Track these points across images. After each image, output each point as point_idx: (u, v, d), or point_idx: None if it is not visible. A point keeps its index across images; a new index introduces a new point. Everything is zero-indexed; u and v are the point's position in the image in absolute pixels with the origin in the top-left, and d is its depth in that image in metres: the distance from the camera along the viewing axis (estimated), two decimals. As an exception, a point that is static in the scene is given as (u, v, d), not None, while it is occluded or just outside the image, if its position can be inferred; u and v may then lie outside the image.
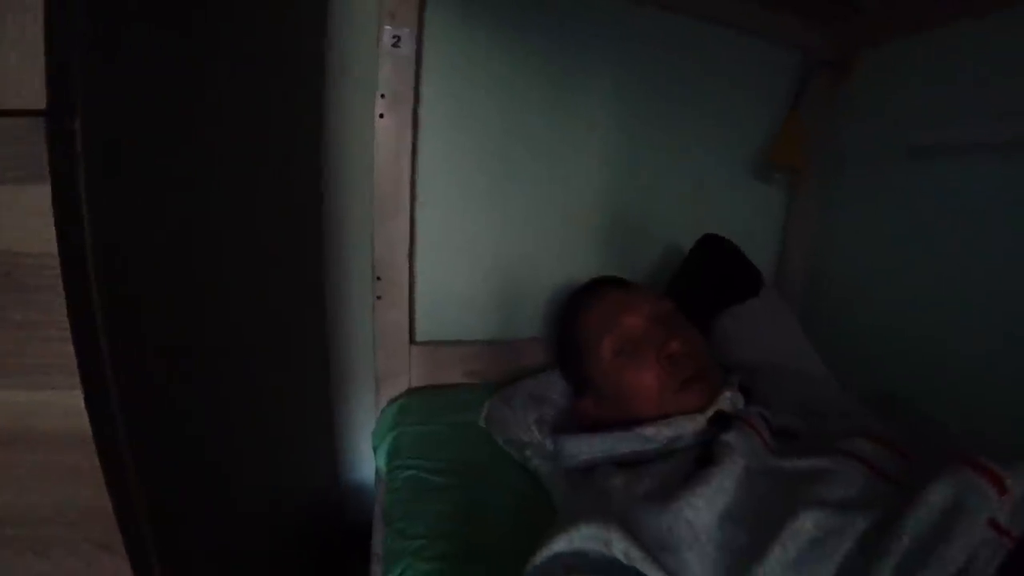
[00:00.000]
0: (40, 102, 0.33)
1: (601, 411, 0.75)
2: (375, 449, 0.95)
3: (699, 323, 0.81)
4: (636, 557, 0.48)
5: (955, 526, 0.42)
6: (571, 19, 1.00)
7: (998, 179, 0.92)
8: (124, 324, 0.40)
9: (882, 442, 0.56)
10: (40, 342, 0.36)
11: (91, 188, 0.36)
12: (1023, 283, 0.89)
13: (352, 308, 1.02)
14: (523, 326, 1.10)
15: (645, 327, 0.72)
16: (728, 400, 0.65)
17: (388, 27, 0.87)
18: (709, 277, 0.99)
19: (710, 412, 0.64)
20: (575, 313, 0.81)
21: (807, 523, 0.46)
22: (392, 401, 0.99)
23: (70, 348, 0.36)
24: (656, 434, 0.64)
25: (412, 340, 1.02)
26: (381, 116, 0.90)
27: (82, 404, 0.37)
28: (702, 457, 0.58)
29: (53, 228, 0.34)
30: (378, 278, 0.95)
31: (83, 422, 0.37)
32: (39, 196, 0.34)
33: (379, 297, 0.96)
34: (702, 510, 0.51)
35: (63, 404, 0.37)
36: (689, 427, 0.63)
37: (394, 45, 0.87)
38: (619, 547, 0.49)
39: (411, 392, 1.01)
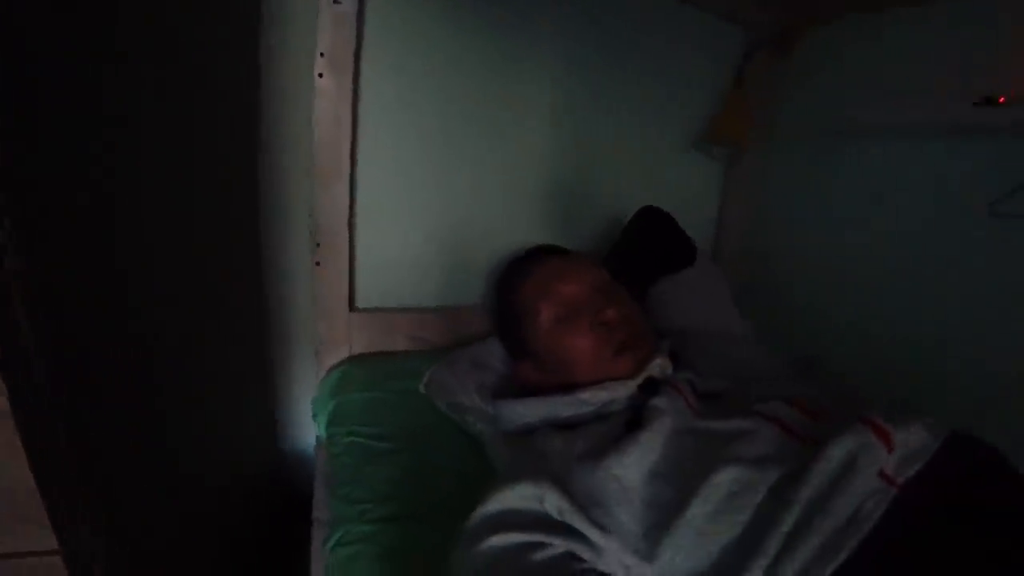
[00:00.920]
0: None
1: (539, 376, 0.77)
2: (315, 417, 0.94)
3: (636, 291, 0.85)
4: (568, 512, 0.51)
5: (851, 477, 0.47)
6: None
7: (923, 160, 1.00)
8: (43, 296, 0.38)
9: (797, 405, 0.61)
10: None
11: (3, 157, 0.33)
12: (936, 259, 0.98)
13: (292, 275, 0.99)
14: (467, 293, 1.11)
15: (582, 295, 0.74)
16: (658, 367, 0.69)
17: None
18: (647, 247, 1.02)
19: (641, 378, 0.67)
20: (515, 280, 0.82)
21: (725, 478, 0.51)
22: (333, 368, 0.98)
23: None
24: (591, 398, 0.67)
25: (353, 307, 1.00)
26: (321, 76, 0.85)
27: None
28: (633, 420, 0.62)
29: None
30: (317, 244, 0.93)
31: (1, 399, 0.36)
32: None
33: (318, 263, 0.93)
34: (631, 468, 0.54)
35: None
36: (622, 391, 0.67)
37: (335, 1, 0.83)
38: (552, 504, 0.52)
39: (353, 359, 1.00)
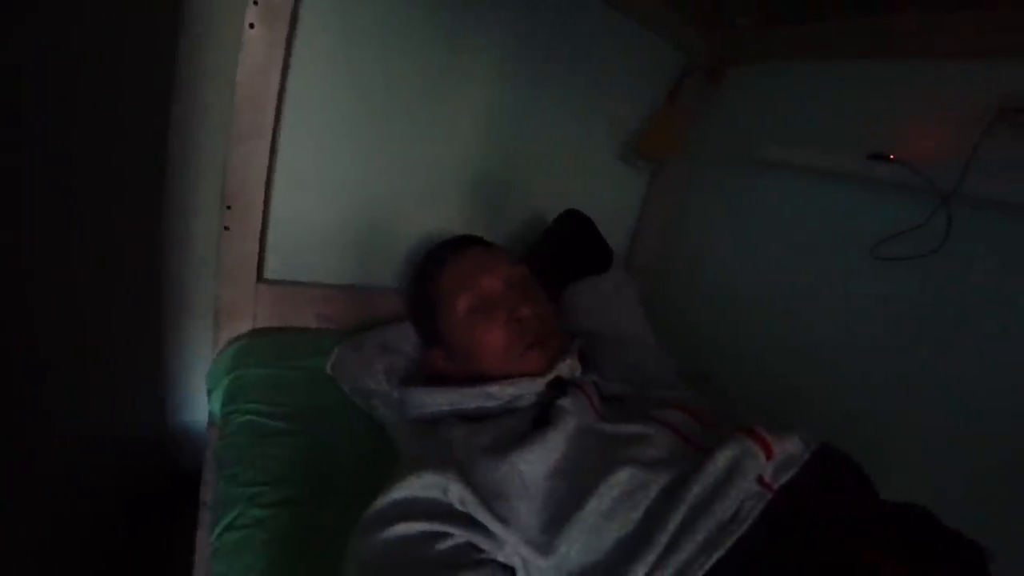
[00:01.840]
0: None
1: (448, 365, 0.78)
2: (209, 392, 0.88)
3: (552, 291, 0.87)
4: (470, 503, 0.52)
5: (733, 481, 0.52)
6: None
7: (819, 200, 1.12)
8: None
9: (692, 413, 0.66)
10: None
11: None
12: (821, 290, 1.10)
13: (197, 237, 0.91)
14: (381, 274, 1.08)
15: (500, 289, 0.75)
16: (567, 367, 0.72)
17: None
18: (566, 249, 1.05)
19: (550, 376, 0.70)
20: (435, 266, 0.81)
21: (621, 478, 0.54)
22: (233, 341, 0.92)
23: None
24: (499, 392, 0.68)
25: (260, 277, 0.94)
26: (252, 26, 0.79)
27: None
28: (539, 417, 0.64)
29: None
30: (228, 207, 0.86)
31: None
32: None
33: (227, 228, 0.87)
34: (534, 464, 0.56)
35: None
36: (530, 388, 0.69)
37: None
38: (455, 494, 0.53)
39: (255, 333, 0.94)
